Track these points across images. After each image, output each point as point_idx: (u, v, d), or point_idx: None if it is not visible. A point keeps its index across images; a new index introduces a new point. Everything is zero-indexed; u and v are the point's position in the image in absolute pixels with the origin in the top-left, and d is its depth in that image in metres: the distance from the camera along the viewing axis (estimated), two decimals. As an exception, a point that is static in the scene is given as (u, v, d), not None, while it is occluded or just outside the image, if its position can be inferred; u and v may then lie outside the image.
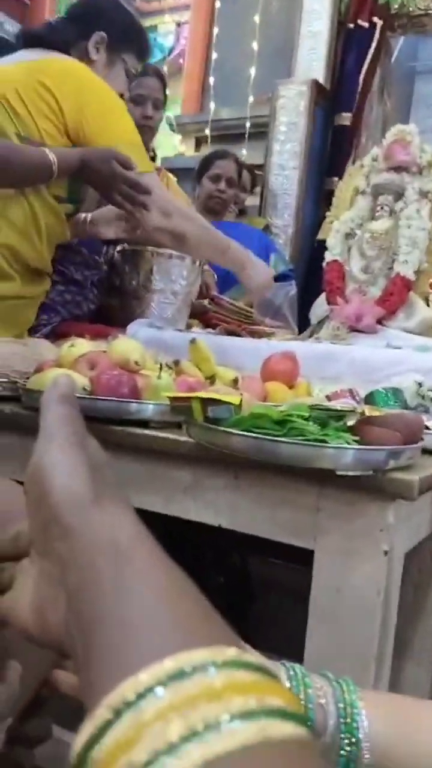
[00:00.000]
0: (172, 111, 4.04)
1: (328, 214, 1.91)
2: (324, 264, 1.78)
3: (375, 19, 3.03)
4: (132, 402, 0.85)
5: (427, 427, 0.80)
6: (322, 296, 1.78)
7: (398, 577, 0.73)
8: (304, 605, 0.73)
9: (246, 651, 0.21)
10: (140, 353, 0.95)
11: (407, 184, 1.71)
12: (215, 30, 3.82)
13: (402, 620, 0.84)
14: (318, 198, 2.97)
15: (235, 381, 1.01)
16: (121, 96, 1.53)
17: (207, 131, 3.86)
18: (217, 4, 3.82)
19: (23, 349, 1.22)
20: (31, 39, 1.49)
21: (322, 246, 1.84)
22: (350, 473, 0.66)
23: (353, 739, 0.37)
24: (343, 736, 0.37)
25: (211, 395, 0.74)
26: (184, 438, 0.79)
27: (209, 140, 3.85)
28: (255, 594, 1.94)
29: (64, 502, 0.27)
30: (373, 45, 3.02)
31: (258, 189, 2.98)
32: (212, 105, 3.85)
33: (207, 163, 2.64)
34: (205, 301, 1.93)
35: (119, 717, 0.19)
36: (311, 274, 2.49)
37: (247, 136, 3.61)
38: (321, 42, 3.01)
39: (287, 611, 1.16)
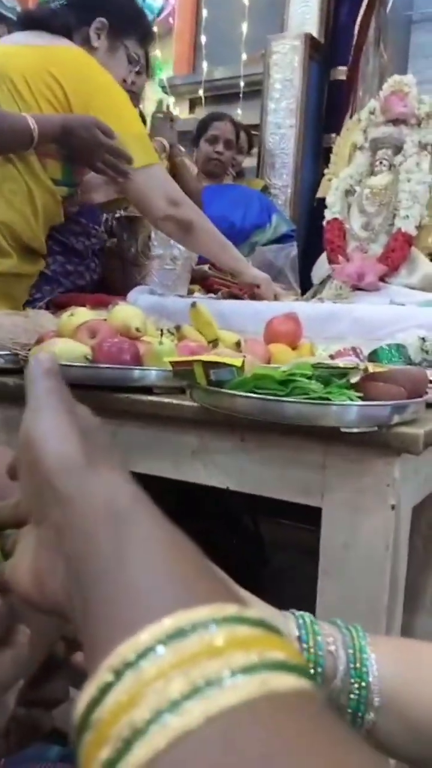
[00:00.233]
0: (165, 72, 3.96)
1: (326, 171, 1.88)
2: (324, 223, 1.76)
3: (368, -33, 2.93)
4: (135, 368, 0.85)
5: (431, 381, 0.80)
6: (324, 256, 1.76)
7: (406, 530, 0.74)
8: (315, 563, 0.74)
9: (247, 607, 0.21)
10: (141, 320, 0.95)
11: (406, 137, 1.68)
12: (205, -14, 3.74)
13: (413, 573, 0.85)
14: (316, 156, 2.91)
15: (238, 344, 1.01)
16: (124, 82, 1.53)
17: (200, 92, 3.79)
18: (206, -41, 3.72)
19: (24, 320, 1.22)
20: (32, 22, 1.48)
21: (321, 205, 1.81)
22: (355, 430, 0.66)
23: (363, 683, 0.38)
24: (352, 680, 0.38)
25: (213, 358, 0.74)
26: (188, 402, 0.79)
27: (203, 101, 3.79)
28: (267, 555, 1.97)
29: (57, 468, 0.27)
30: (367, -6, 2.93)
31: (255, 150, 2.93)
32: (205, 65, 3.77)
33: (204, 125, 2.62)
34: (206, 266, 1.92)
35: (120, 678, 0.19)
36: (312, 234, 2.46)
37: (241, 95, 3.55)
38: (313, -7, 2.92)
39: (299, 570, 1.18)
